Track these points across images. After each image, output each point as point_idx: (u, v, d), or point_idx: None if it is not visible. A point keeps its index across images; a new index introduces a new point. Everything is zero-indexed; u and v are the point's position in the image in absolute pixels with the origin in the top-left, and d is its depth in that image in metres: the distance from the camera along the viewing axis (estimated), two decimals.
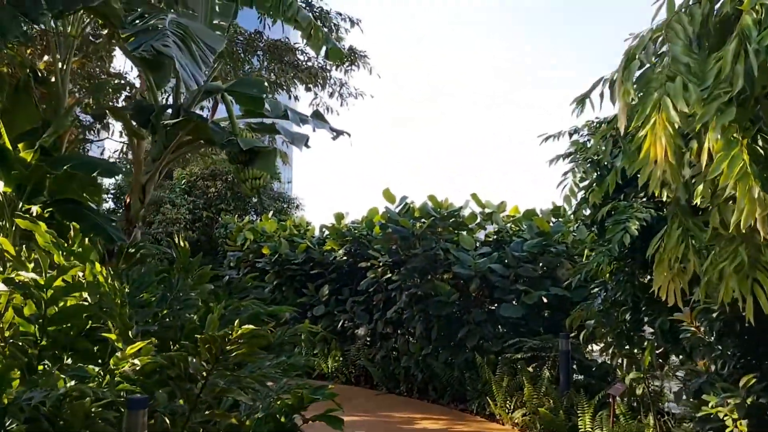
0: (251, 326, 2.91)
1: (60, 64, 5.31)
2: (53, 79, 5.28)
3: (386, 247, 8.80)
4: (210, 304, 5.07)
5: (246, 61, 9.76)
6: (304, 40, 5.88)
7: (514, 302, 7.58)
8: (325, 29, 7.69)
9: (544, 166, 5.13)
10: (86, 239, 3.24)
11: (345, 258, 10.25)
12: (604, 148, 4.69)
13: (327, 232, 11.11)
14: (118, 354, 2.92)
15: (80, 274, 3.26)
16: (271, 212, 13.44)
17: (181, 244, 5.13)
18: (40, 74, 5.05)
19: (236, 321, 3.74)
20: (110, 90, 6.84)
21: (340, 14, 10.17)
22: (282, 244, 11.32)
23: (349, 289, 10.16)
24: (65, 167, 4.03)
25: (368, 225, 10.08)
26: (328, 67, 10.45)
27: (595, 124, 5.37)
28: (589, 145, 4.98)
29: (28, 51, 5.53)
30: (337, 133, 5.34)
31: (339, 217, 11.06)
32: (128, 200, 4.83)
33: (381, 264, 9.16)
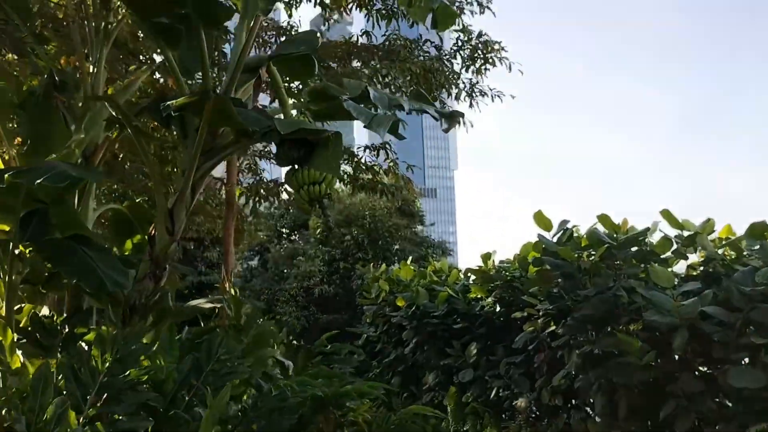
0: None
1: (91, 67, 4.29)
2: (85, 85, 4.23)
3: (545, 290, 6.84)
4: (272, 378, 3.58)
5: (358, 72, 8.52)
6: (405, 7, 4.40)
7: (746, 363, 5.23)
8: None
9: None
10: None
11: (495, 307, 8.43)
12: None
13: (473, 277, 9.38)
14: None
15: None
16: (410, 258, 11.99)
17: (231, 291, 3.72)
18: (57, 78, 4.03)
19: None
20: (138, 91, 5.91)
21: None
22: (419, 293, 9.74)
23: (503, 347, 8.29)
24: (7, 176, 2.85)
25: (522, 264, 8.18)
26: (454, 66, 8.80)
27: None
28: None
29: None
30: (448, 119, 3.68)
31: (486, 257, 9.28)
32: (152, 232, 3.53)
33: (540, 313, 7.21)
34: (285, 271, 15.09)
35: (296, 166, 3.23)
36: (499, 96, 9.25)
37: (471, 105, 9.15)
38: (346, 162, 9.01)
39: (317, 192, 3.11)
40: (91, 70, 4.30)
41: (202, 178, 3.50)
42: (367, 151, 9.15)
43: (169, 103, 3.06)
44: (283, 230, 18.04)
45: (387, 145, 8.89)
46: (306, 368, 3.60)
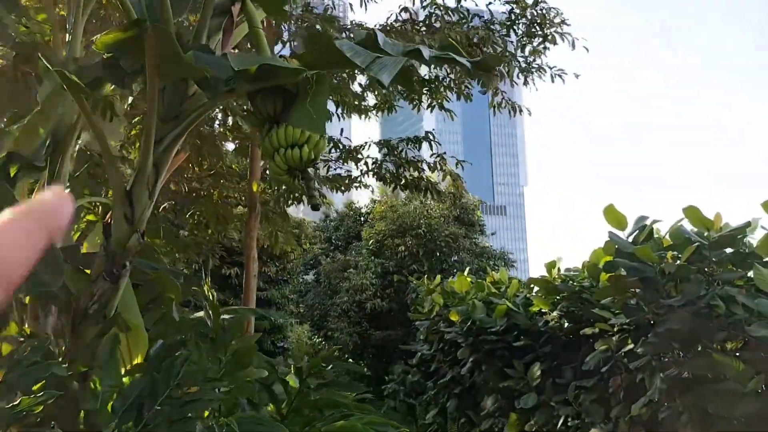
0: None
1: (67, 35, 3.72)
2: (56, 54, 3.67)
3: (619, 300, 5.86)
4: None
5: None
6: None
7: None
8: None
9: None
10: None
11: (561, 322, 7.46)
12: None
13: (536, 289, 8.43)
14: None
15: None
16: (467, 269, 11.08)
17: (208, 295, 3.02)
18: (18, 41, 3.47)
19: None
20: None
21: None
22: (475, 306, 8.87)
23: (571, 369, 7.31)
24: None
25: (592, 272, 7.18)
26: (508, 46, 7.77)
27: None
28: None
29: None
30: (481, 69, 2.84)
31: (550, 266, 8.34)
32: (108, 220, 2.86)
33: (615, 329, 6.23)
34: (338, 284, 14.45)
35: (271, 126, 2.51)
36: (560, 75, 8.18)
37: (526, 83, 8.12)
38: (386, 157, 8.23)
39: (296, 158, 2.35)
40: (67, 39, 3.74)
41: (168, 152, 2.82)
42: (410, 144, 8.29)
43: (94, 38, 2.42)
44: (339, 243, 17.46)
45: (431, 135, 8.03)
46: (304, 395, 2.84)
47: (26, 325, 3.41)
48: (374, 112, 8.35)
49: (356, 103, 8.37)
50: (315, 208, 2.43)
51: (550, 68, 8.01)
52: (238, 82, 2.33)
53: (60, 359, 2.67)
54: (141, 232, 2.91)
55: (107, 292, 2.86)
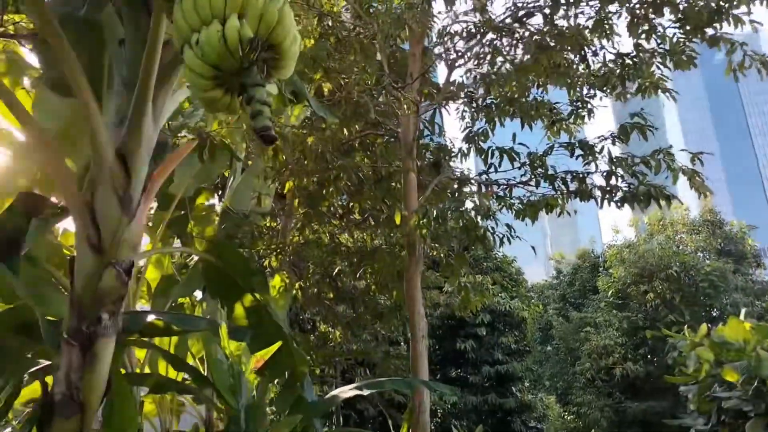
0: None
1: None
2: None
3: None
4: None
5: None
6: None
7: None
8: None
9: None
10: None
11: None
12: None
13: None
14: None
15: None
16: (742, 312, 8.64)
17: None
18: None
19: None
20: None
21: None
22: (761, 360, 6.64)
23: None
24: None
25: None
26: None
27: None
28: None
29: None
30: None
31: None
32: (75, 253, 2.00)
33: None
34: (578, 348, 12.53)
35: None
36: None
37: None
38: (586, 161, 6.49)
39: (215, 42, 1.22)
40: None
41: (136, 131, 1.90)
42: (616, 142, 6.47)
43: None
44: (575, 300, 15.51)
45: (639, 119, 6.16)
46: None
47: None
48: (571, 121, 6.95)
49: (551, 118, 7.06)
50: (267, 138, 1.28)
51: None
52: None
53: None
54: (123, 267, 1.96)
55: (77, 365, 1.93)
